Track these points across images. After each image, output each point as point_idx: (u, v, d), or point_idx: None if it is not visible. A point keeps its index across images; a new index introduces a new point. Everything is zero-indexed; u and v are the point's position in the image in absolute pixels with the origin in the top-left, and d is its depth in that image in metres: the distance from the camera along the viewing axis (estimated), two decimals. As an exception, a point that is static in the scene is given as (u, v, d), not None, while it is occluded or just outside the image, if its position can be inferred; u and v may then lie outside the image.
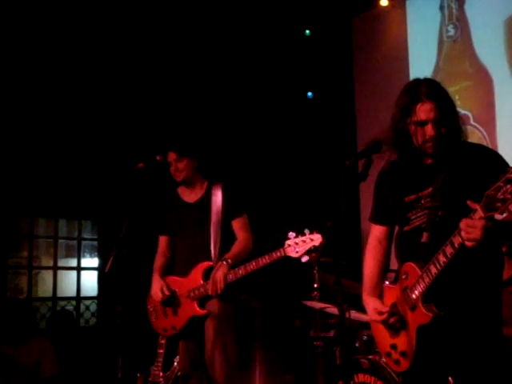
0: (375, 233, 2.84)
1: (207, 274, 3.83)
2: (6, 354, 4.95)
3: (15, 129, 6.23)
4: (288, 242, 3.66)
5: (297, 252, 3.60)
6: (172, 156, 3.97)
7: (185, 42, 6.73)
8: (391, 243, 2.84)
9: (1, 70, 5.99)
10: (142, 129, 6.59)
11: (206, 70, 6.85)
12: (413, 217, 2.62)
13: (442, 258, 2.38)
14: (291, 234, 3.65)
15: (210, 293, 3.77)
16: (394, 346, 2.65)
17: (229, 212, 3.94)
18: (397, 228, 2.79)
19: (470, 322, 2.46)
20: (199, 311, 3.83)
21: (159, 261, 4.12)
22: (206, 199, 3.98)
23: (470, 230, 2.24)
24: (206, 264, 3.86)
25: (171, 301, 3.92)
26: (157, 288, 3.94)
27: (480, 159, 2.53)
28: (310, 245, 3.59)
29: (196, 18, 6.64)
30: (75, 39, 6.32)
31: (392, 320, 2.60)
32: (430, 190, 2.57)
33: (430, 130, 2.51)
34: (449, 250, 2.36)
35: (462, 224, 2.26)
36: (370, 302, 2.72)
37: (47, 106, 6.39)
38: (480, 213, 2.21)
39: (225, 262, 3.78)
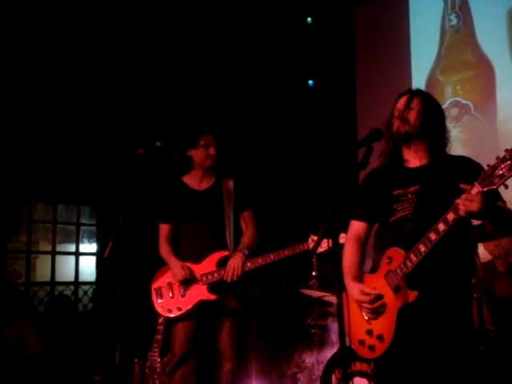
0: (355, 229, 2.92)
1: (222, 263, 3.85)
2: None
3: (14, 115, 6.22)
4: (313, 237, 3.81)
5: (321, 247, 3.61)
6: (210, 139, 4.00)
7: (186, 30, 6.70)
8: (368, 240, 2.92)
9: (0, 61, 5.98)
10: (141, 114, 6.57)
11: (207, 58, 6.82)
12: (398, 208, 2.72)
13: (433, 236, 2.48)
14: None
15: (225, 278, 3.80)
16: (369, 332, 2.72)
17: (240, 203, 4.00)
18: (376, 225, 2.88)
19: (446, 303, 2.59)
20: (209, 295, 3.83)
21: (168, 247, 4.04)
22: (218, 188, 4.01)
23: (468, 203, 2.35)
24: (222, 253, 3.87)
25: (187, 283, 3.86)
26: (179, 267, 3.86)
27: (464, 164, 2.68)
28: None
29: (198, 4, 6.60)
30: (71, 24, 6.29)
31: (378, 303, 2.66)
32: (417, 187, 2.69)
33: (401, 104, 2.73)
34: (441, 226, 2.46)
35: (461, 198, 2.37)
36: (355, 286, 2.77)
37: (46, 93, 6.38)
38: (478, 187, 2.33)
39: (241, 253, 3.85)
